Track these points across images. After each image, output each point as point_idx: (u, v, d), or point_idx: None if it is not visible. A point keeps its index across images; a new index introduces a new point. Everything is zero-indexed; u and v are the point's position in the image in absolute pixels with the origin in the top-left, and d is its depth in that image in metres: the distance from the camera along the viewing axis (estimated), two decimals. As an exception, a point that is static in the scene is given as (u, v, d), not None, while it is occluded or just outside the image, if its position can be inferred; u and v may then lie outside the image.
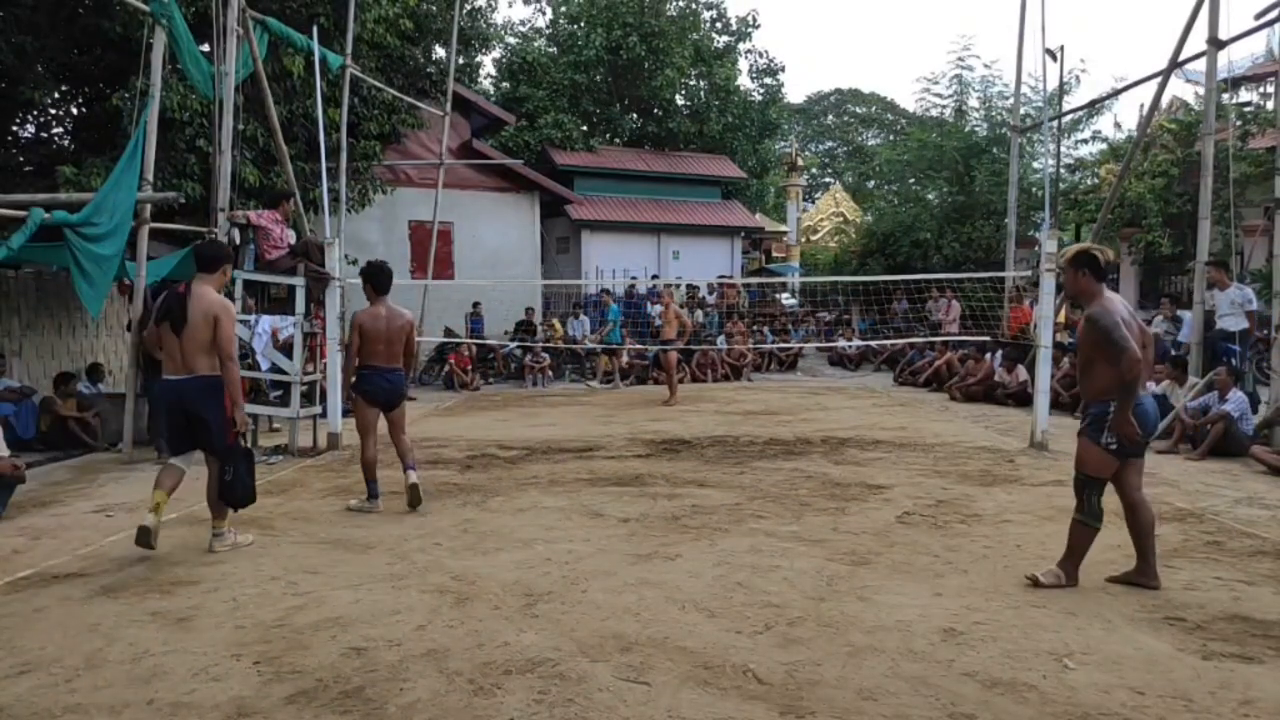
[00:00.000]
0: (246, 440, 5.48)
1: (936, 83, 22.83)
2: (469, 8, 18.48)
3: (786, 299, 22.49)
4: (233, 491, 5.03)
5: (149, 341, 7.95)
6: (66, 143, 12.29)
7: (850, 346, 17.91)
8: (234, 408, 4.98)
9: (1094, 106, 17.12)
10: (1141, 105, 20.70)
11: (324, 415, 8.80)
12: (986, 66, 25.73)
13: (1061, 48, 13.31)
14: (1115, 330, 3.93)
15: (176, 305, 4.91)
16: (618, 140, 25.43)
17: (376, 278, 6.30)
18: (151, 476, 7.24)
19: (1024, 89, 15.48)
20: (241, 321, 8.31)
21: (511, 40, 26.69)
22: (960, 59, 21.91)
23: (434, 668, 3.33)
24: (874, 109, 46.07)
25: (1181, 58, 9.81)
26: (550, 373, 16.07)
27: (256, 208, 10.21)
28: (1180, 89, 16.96)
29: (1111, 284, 18.71)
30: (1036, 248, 14.04)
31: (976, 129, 21.44)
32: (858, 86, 49.27)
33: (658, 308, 17.35)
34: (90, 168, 9.67)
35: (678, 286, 17.04)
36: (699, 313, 18.23)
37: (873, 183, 34.31)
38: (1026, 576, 4.30)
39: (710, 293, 19.87)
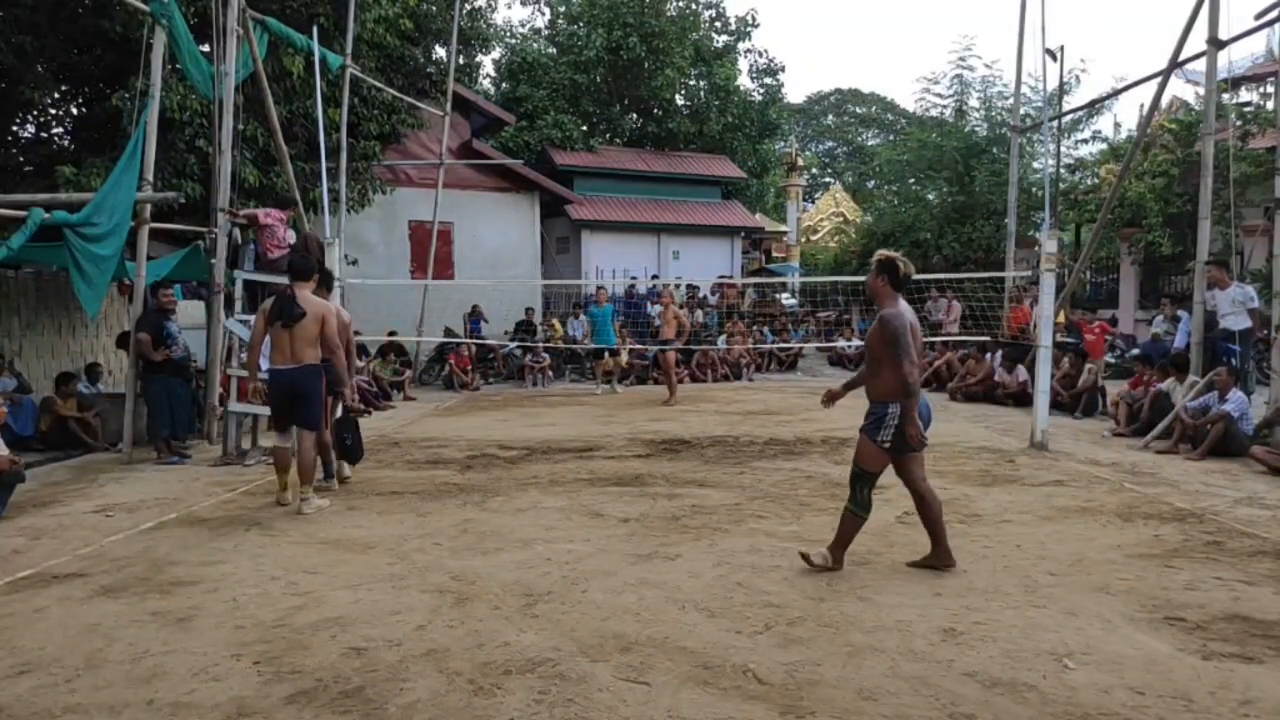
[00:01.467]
0: (328, 421, 6.54)
1: (937, 83, 22.85)
2: (469, 8, 18.46)
3: (786, 299, 22.48)
4: (352, 452, 6.83)
5: (143, 345, 8.00)
6: (66, 143, 12.29)
7: (850, 346, 17.89)
8: (345, 386, 6.35)
9: (1094, 106, 17.11)
10: (1141, 105, 20.73)
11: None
12: (987, 66, 25.77)
13: (1061, 48, 13.32)
14: (903, 336, 4.25)
15: (290, 306, 5.86)
16: (618, 140, 25.42)
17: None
18: (151, 477, 7.32)
19: (1024, 89, 15.48)
20: (241, 321, 8.32)
21: (511, 40, 26.70)
22: (961, 59, 21.91)
23: (434, 668, 3.33)
24: (874, 109, 46.10)
25: (1181, 58, 9.80)
26: (550, 373, 16.07)
27: (257, 208, 10.22)
28: (1180, 89, 16.98)
29: (1111, 284, 18.72)
30: (1036, 248, 14.05)
31: (976, 129, 21.43)
32: (858, 86, 49.39)
33: (657, 308, 17.35)
34: (90, 168, 9.67)
35: (678, 286, 17.04)
36: (699, 313, 18.22)
37: (873, 183, 34.31)
38: (800, 553, 4.57)
39: (711, 293, 19.85)
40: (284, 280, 8.67)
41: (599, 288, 15.14)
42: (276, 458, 6.25)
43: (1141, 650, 3.47)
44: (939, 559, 4.52)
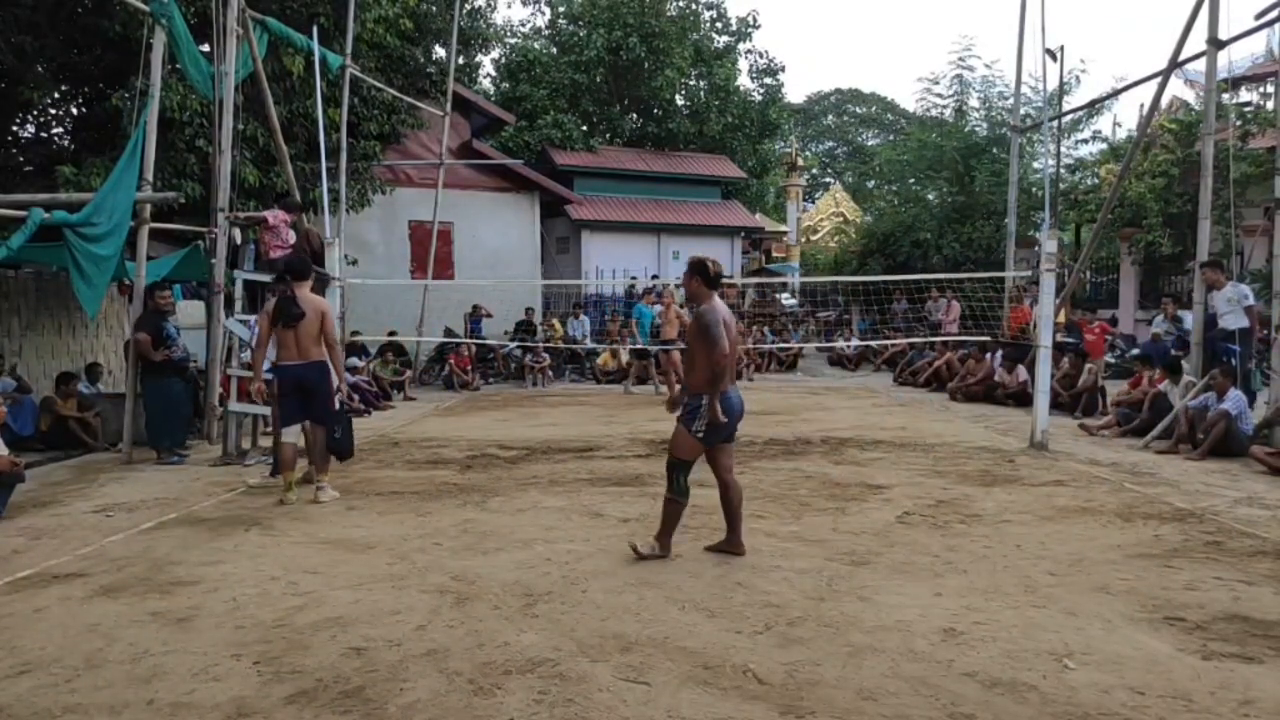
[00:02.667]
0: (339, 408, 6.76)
1: (937, 83, 22.85)
2: (469, 8, 18.47)
3: (786, 299, 22.48)
4: (340, 445, 6.77)
5: (143, 345, 8.00)
6: (66, 143, 12.30)
7: (850, 347, 17.90)
8: (340, 379, 6.48)
9: (1094, 106, 17.12)
10: (1141, 105, 20.72)
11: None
12: (988, 67, 25.73)
13: (1061, 48, 13.29)
14: (714, 327, 4.52)
15: (291, 306, 6.07)
16: (618, 140, 25.42)
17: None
18: (151, 477, 7.32)
19: (1024, 89, 15.49)
20: (241, 321, 8.32)
21: (511, 40, 26.71)
22: (961, 59, 21.91)
23: (434, 668, 3.33)
24: (874, 109, 46.07)
25: (1181, 58, 9.80)
26: (550, 373, 16.07)
27: (257, 208, 10.22)
28: (1180, 89, 16.97)
29: (1111, 284, 18.73)
30: (1036, 248, 14.05)
31: (977, 129, 21.43)
32: (858, 86, 49.30)
33: (657, 308, 17.31)
34: (90, 168, 9.67)
35: (678, 287, 17.02)
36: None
37: (873, 183, 34.30)
38: (629, 544, 4.75)
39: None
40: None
41: (647, 289, 15.11)
42: (284, 455, 6.30)
43: (1141, 650, 3.47)
44: (731, 545, 4.81)
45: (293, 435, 6.31)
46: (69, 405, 8.83)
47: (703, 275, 4.71)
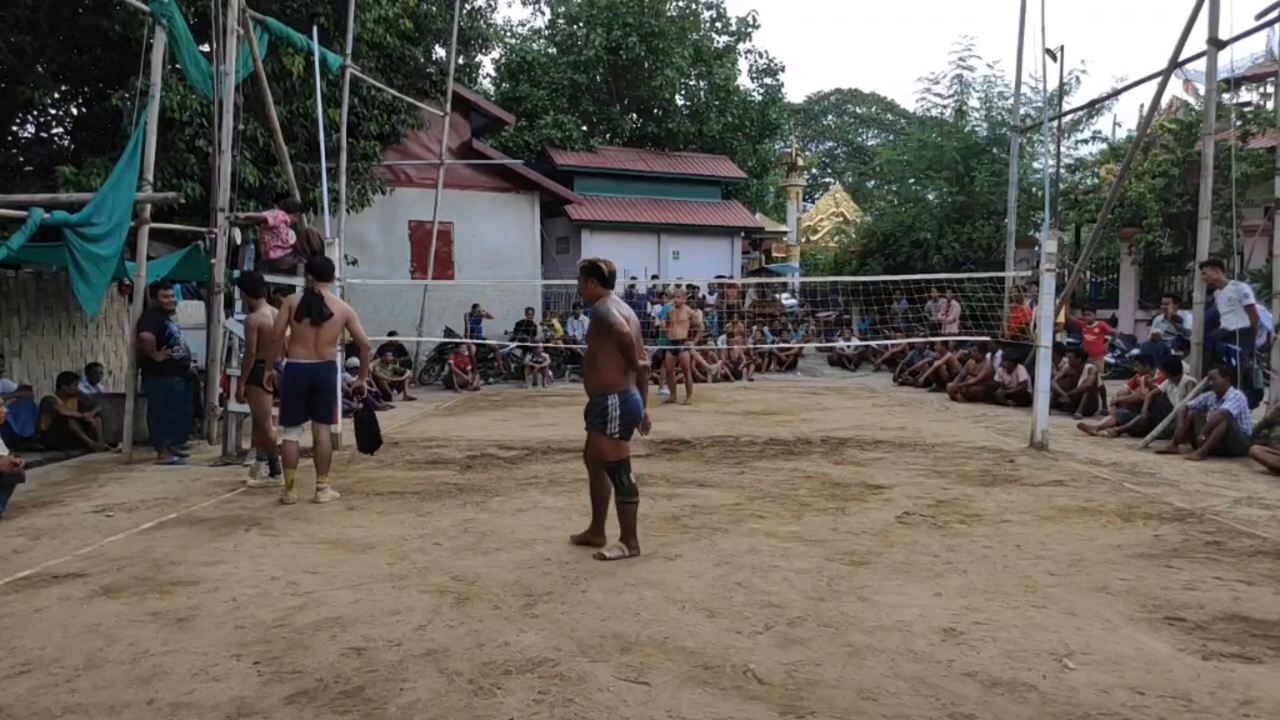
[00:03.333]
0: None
1: (937, 82, 22.82)
2: (469, 8, 18.46)
3: (786, 299, 22.47)
4: (371, 436, 7.06)
5: (147, 344, 8.01)
6: (66, 143, 12.30)
7: (850, 347, 17.89)
8: (366, 376, 7.02)
9: (1094, 107, 17.10)
10: (1141, 105, 20.71)
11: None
12: (989, 66, 25.67)
13: (1061, 48, 13.27)
14: (610, 315, 4.62)
15: (321, 305, 6.13)
16: (617, 140, 25.42)
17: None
18: (151, 477, 7.32)
19: (1024, 89, 15.48)
20: (240, 321, 8.32)
21: (511, 40, 26.70)
22: (962, 59, 21.89)
23: (434, 668, 3.33)
24: (874, 109, 46.05)
25: (1181, 58, 9.80)
26: (550, 373, 16.07)
27: (257, 208, 10.22)
28: (1180, 89, 16.94)
29: (1111, 284, 18.70)
30: (1036, 248, 14.05)
31: (977, 129, 21.42)
32: (858, 86, 49.31)
33: (658, 308, 17.29)
34: (90, 168, 9.67)
35: (678, 286, 17.03)
36: (698, 313, 18.19)
37: (873, 183, 34.28)
38: (594, 556, 4.72)
39: (710, 293, 19.83)
40: (284, 280, 8.73)
41: (716, 287, 14.93)
42: (286, 453, 6.29)
43: (1141, 650, 3.47)
44: (593, 535, 4.95)
45: (295, 434, 6.30)
46: (69, 405, 8.83)
47: (597, 276, 4.79)
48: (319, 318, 6.13)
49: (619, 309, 4.69)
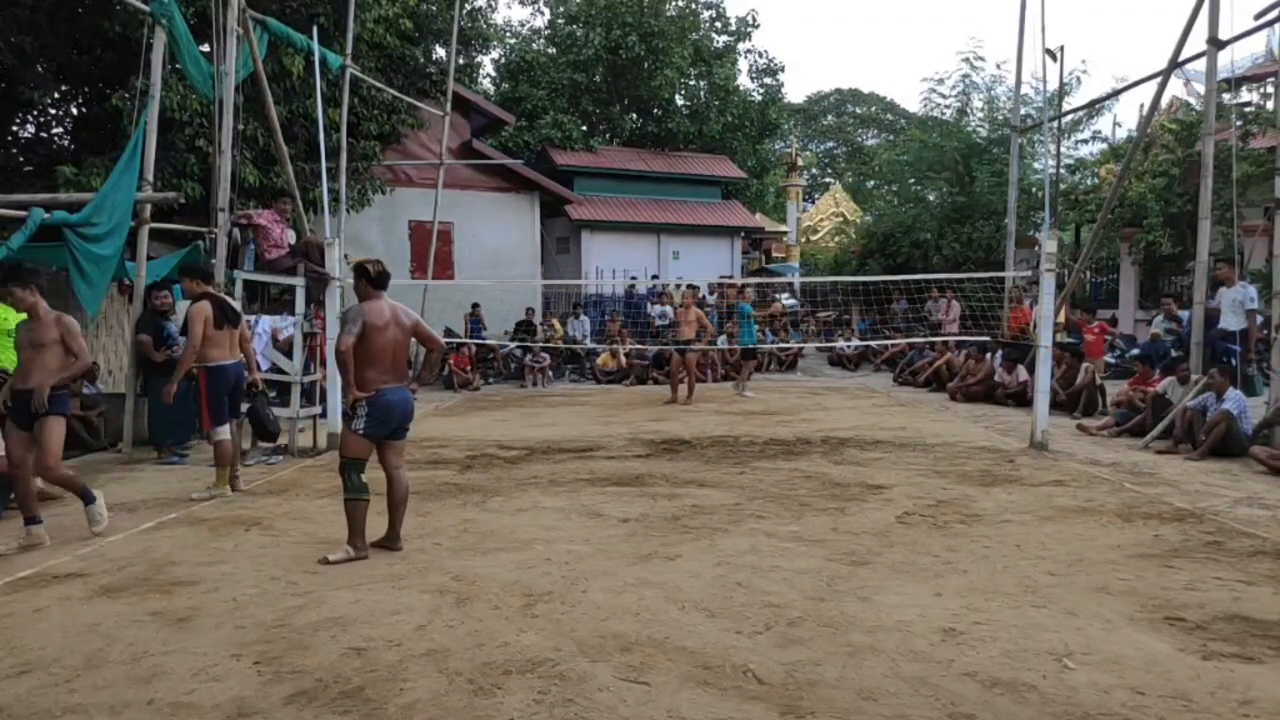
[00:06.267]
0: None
1: (942, 82, 22.78)
2: (469, 8, 18.47)
3: (786, 299, 22.47)
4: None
5: (145, 347, 8.01)
6: (66, 143, 12.31)
7: (850, 347, 17.89)
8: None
9: (1094, 107, 17.11)
10: (1141, 105, 20.71)
11: (324, 415, 8.80)
12: (998, 67, 25.55)
13: (1062, 48, 13.28)
14: (344, 323, 4.79)
15: (231, 309, 6.38)
16: (617, 140, 25.41)
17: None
18: (151, 477, 7.32)
19: (1024, 89, 15.47)
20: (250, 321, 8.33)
21: (511, 40, 26.70)
22: (968, 60, 21.83)
23: (434, 668, 3.33)
24: (874, 109, 46.01)
25: (1181, 58, 9.80)
26: (550, 373, 16.07)
27: (255, 208, 10.22)
28: (1180, 89, 16.94)
29: (1111, 284, 18.68)
30: (1036, 248, 14.03)
31: (977, 129, 21.41)
32: (858, 86, 49.27)
33: (658, 308, 17.26)
34: (90, 168, 9.67)
35: (678, 286, 17.02)
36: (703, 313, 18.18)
37: (873, 183, 34.24)
38: (319, 560, 4.70)
39: (710, 293, 19.80)
40: (283, 280, 8.73)
41: (743, 286, 14.93)
42: (225, 450, 6.55)
43: (1141, 650, 3.47)
44: (391, 540, 4.98)
45: (227, 431, 6.66)
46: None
47: (365, 277, 4.91)
48: (235, 321, 6.59)
49: (369, 315, 4.76)
